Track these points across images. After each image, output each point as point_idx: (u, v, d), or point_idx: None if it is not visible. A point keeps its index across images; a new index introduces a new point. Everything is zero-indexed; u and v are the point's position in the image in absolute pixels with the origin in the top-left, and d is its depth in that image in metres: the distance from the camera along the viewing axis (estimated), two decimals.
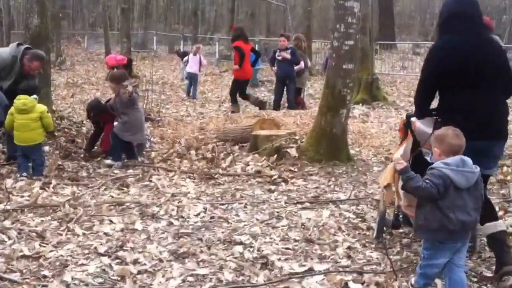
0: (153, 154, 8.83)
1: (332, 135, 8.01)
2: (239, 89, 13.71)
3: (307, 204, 6.45)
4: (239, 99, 13.93)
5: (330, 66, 8.10)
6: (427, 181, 3.80)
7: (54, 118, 9.75)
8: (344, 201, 6.52)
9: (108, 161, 8.16)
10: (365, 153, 8.95)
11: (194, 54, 17.77)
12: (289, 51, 12.92)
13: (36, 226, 5.55)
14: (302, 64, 13.33)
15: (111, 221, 5.77)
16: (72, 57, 29.85)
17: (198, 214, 6.05)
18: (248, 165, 7.96)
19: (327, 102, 8.00)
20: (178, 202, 6.40)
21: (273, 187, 7.14)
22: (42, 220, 5.77)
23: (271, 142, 8.26)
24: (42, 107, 7.35)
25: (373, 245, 5.21)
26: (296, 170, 7.75)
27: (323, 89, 8.38)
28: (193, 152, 8.74)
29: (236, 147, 8.99)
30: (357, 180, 7.42)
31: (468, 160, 3.88)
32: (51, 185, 6.99)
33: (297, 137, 8.53)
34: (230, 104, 14.13)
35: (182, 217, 5.97)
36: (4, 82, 7.61)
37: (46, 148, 8.59)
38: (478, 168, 3.89)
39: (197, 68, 17.41)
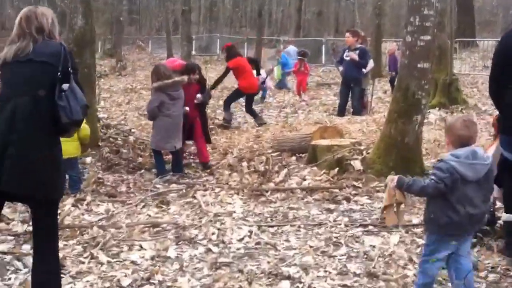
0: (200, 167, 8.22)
1: (404, 145, 7.18)
2: (235, 100, 13.03)
3: (372, 228, 5.69)
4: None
5: (402, 65, 7.29)
6: (432, 177, 3.80)
7: (99, 127, 9.35)
8: (417, 225, 5.70)
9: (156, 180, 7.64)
10: None
11: None
12: (357, 51, 12.09)
13: None
14: (371, 63, 12.54)
15: (141, 246, 5.17)
16: (134, 62, 29.79)
17: (241, 239, 5.38)
18: (305, 179, 7.25)
19: (398, 106, 7.18)
20: (220, 224, 5.75)
21: (332, 206, 6.39)
22: (65, 245, 5.21)
23: (332, 153, 7.51)
24: None
25: None
26: (360, 185, 6.98)
27: (394, 91, 7.56)
28: (244, 164, 8.12)
29: (293, 158, 8.30)
30: None
31: (480, 151, 3.86)
32: (85, 202, 6.48)
33: (362, 147, 7.73)
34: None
35: (223, 242, 5.30)
36: None
37: (88, 159, 8.14)
38: (490, 159, 3.86)
39: (265, 73, 16.84)
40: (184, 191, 7.05)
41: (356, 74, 12.10)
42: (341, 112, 12.30)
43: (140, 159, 8.43)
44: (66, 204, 6.29)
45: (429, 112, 12.65)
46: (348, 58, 12.11)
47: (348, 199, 6.58)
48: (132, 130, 10.23)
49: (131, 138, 9.61)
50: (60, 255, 4.85)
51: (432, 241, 3.94)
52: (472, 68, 22.17)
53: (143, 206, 6.45)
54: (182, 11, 22.41)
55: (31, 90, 3.74)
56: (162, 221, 5.83)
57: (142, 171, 8.01)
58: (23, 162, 3.66)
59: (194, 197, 6.75)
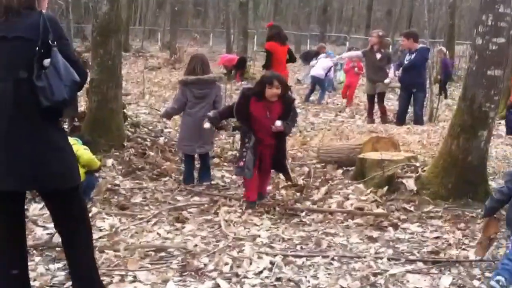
0: (233, 176, 7.46)
1: (466, 164, 6.26)
2: None
3: (420, 265, 4.81)
4: None
5: (469, 71, 6.33)
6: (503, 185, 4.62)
7: (127, 125, 8.71)
8: (475, 263, 4.83)
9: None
10: None
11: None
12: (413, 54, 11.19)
13: (34, 279, 4.25)
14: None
15: (135, 277, 4.40)
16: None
17: (260, 272, 4.55)
18: (348, 199, 6.38)
19: (462, 119, 6.26)
20: (238, 251, 4.93)
21: (376, 234, 5.52)
22: (46, 269, 4.51)
23: (382, 169, 6.63)
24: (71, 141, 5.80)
25: None
26: (412, 209, 6.10)
27: (458, 102, 6.62)
28: (282, 176, 7.30)
29: (339, 171, 7.47)
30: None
31: None
32: (90, 214, 5.77)
33: (418, 164, 6.82)
34: None
35: (237, 275, 4.49)
36: None
37: (109, 161, 7.47)
38: None
39: (323, 72, 16.01)
40: (206, 205, 6.29)
41: (417, 78, 11.14)
42: (400, 120, 11.39)
43: (166, 164, 7.69)
44: None
45: (500, 123, 11.62)
46: (407, 62, 11.22)
47: (395, 226, 5.70)
48: (168, 130, 9.52)
49: (161, 140, 8.87)
50: (36, 283, 4.20)
51: None
52: None
53: (155, 223, 5.69)
54: (240, 4, 21.83)
55: (11, 73, 3.31)
56: (168, 245, 5.02)
57: (166, 178, 7.28)
58: (19, 156, 3.30)
59: (216, 214, 5.99)
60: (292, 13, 48.93)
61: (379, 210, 6.05)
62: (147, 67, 21.28)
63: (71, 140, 5.54)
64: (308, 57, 19.85)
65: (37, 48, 3.30)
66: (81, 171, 5.63)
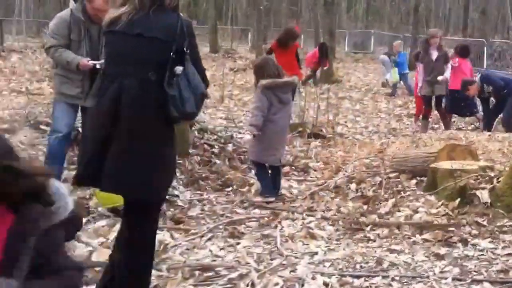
0: (302, 185, 7.38)
1: None
2: None
3: (487, 285, 4.59)
4: None
5: None
6: None
7: (194, 130, 8.62)
8: None
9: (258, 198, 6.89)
10: None
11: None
12: None
13: None
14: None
15: None
16: None
17: None
18: (417, 212, 6.19)
19: None
20: (290, 270, 4.85)
21: (443, 250, 5.30)
22: None
23: (454, 180, 6.39)
24: None
25: None
26: (485, 223, 5.84)
27: None
28: (353, 186, 7.19)
29: (413, 181, 7.24)
30: None
31: None
32: None
33: (493, 174, 6.53)
34: None
35: None
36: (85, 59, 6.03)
37: None
38: None
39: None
40: (266, 219, 6.22)
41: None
42: (487, 126, 11.02)
43: (231, 173, 7.67)
44: (113, 231, 5.51)
45: None
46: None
47: (465, 242, 5.47)
48: (238, 136, 9.49)
49: (230, 147, 8.81)
50: None
51: None
52: None
53: (209, 238, 5.63)
54: (325, 2, 21.59)
55: (140, 72, 3.32)
56: (217, 264, 4.97)
57: (230, 188, 7.27)
58: (127, 157, 3.30)
59: (276, 228, 5.94)
60: (387, 13, 48.15)
61: (450, 224, 5.83)
62: (233, 69, 21.32)
63: None
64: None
65: (171, 53, 3.31)
66: None
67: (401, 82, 17.45)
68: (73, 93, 6.17)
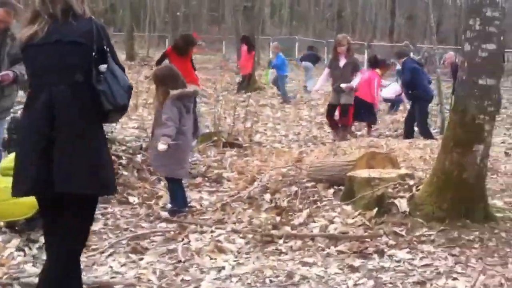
0: (214, 197, 7.13)
1: (461, 182, 5.86)
2: None
3: None
4: None
5: (459, 80, 5.97)
6: None
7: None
8: None
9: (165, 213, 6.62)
10: None
11: None
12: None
13: None
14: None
15: None
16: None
17: None
18: (333, 222, 6.02)
19: (454, 133, 5.88)
20: (194, 287, 4.59)
21: (358, 262, 5.13)
22: None
23: (372, 188, 6.26)
24: None
25: None
26: (403, 233, 5.71)
27: (449, 114, 6.26)
28: (267, 196, 6.98)
29: (330, 191, 7.08)
30: (496, 255, 5.23)
31: None
32: (37, 245, 5.41)
33: (412, 182, 6.43)
34: None
35: None
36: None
37: None
38: None
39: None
40: (172, 233, 5.94)
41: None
42: (407, 134, 11.24)
43: (139, 185, 7.36)
44: (8, 248, 5.27)
45: None
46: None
47: (381, 253, 5.31)
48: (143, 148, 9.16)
49: (139, 158, 8.47)
50: None
51: None
52: None
53: (111, 254, 5.33)
54: (244, 8, 21.46)
55: (67, 77, 3.50)
56: (116, 281, 4.67)
57: (136, 201, 6.96)
58: (71, 158, 3.47)
59: (183, 242, 5.66)
60: (313, 19, 48.59)
61: (366, 235, 5.68)
62: (149, 77, 20.96)
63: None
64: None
65: (93, 53, 3.49)
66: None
67: (277, 84, 17.44)
68: None
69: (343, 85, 11.11)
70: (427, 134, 11.27)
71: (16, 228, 5.78)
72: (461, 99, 5.85)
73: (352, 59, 11.62)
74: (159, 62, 11.04)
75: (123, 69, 3.71)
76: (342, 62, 11.34)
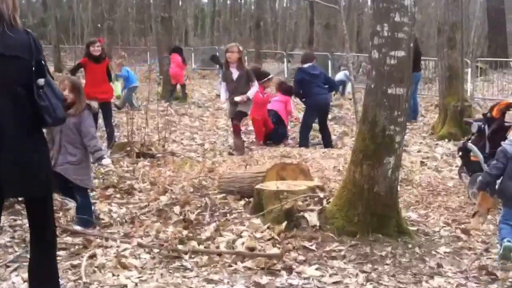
0: (123, 209, 6.86)
1: (372, 195, 5.80)
2: None
3: None
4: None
5: (368, 89, 5.89)
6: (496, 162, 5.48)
7: None
8: None
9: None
10: (432, 220, 6.70)
11: None
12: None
13: None
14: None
15: None
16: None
17: None
18: (241, 236, 5.84)
19: (364, 145, 5.80)
20: None
21: (265, 279, 4.97)
22: None
23: (280, 202, 6.11)
24: None
25: None
26: (313, 248, 5.58)
27: (359, 124, 6.18)
28: (177, 208, 6.76)
29: (241, 203, 6.96)
30: (409, 272, 5.17)
31: None
32: None
33: (322, 195, 6.32)
34: None
35: None
36: None
37: None
38: None
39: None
40: (77, 247, 5.65)
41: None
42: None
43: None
44: None
45: (437, 144, 11.39)
46: None
47: (290, 269, 5.17)
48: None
49: None
50: None
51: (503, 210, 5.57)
52: (501, 92, 20.34)
53: (15, 269, 5.09)
54: (162, 19, 21.20)
55: (10, 90, 3.54)
56: None
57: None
58: (19, 166, 3.56)
59: (89, 257, 5.35)
60: (234, 29, 48.56)
61: (274, 250, 5.53)
62: None
63: None
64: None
65: (32, 67, 3.56)
66: None
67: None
68: None
69: (237, 98, 10.79)
70: (303, 143, 11.35)
71: None
72: (370, 109, 5.74)
73: (245, 70, 11.20)
74: (73, 71, 11.19)
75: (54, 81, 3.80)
76: (235, 74, 10.97)
